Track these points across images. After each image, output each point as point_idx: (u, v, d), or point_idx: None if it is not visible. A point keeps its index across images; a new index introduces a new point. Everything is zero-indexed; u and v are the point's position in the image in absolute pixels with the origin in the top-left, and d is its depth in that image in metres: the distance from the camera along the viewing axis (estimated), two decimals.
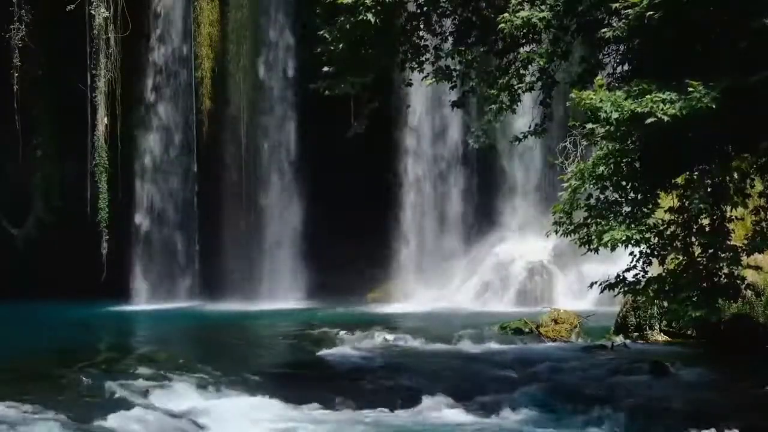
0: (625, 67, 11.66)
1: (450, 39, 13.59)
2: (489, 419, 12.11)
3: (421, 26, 13.52)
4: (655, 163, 10.34)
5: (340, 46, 12.62)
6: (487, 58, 13.02)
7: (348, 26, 12.36)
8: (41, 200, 32.37)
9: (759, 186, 11.10)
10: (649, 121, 9.35)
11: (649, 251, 10.80)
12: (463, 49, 12.99)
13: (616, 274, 11.34)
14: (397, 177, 30.30)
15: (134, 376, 14.22)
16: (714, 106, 9.15)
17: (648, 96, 9.48)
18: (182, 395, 13.11)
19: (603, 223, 10.31)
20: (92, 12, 29.19)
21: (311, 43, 13.82)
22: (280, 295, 29.31)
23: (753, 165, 10.60)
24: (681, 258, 10.82)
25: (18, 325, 23.73)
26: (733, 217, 10.75)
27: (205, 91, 31.51)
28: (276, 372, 15.19)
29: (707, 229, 10.57)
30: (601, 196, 10.66)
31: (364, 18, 12.12)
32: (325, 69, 13.15)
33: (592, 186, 10.50)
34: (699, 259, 10.63)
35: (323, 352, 17.33)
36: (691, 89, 9.21)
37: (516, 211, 29.74)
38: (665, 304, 11.33)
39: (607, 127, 9.94)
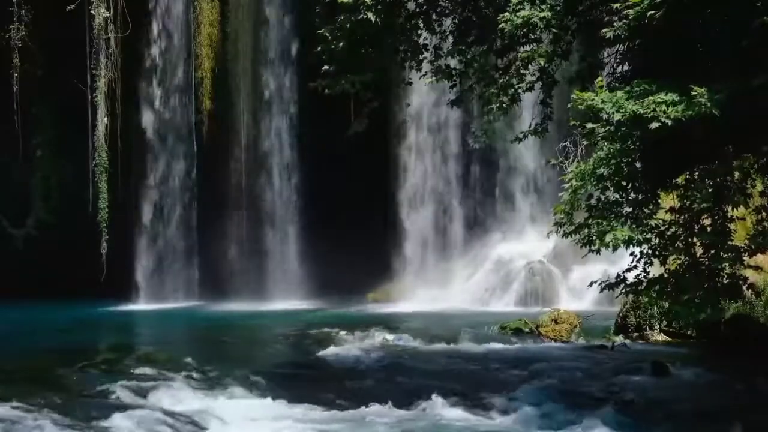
0: (626, 67, 11.65)
1: (450, 38, 13.59)
2: (489, 419, 12.09)
3: (421, 25, 13.52)
4: (655, 163, 10.32)
5: (340, 44, 12.64)
6: (487, 57, 13.01)
7: (348, 25, 12.39)
8: (41, 200, 32.35)
9: (760, 185, 11.09)
10: (653, 125, 9.30)
11: (650, 252, 10.78)
12: (462, 48, 12.99)
13: (616, 275, 11.34)
14: (396, 176, 30.27)
15: (134, 376, 14.20)
16: (718, 112, 9.12)
17: (650, 97, 9.45)
18: (182, 395, 13.08)
19: (604, 223, 10.29)
20: (92, 12, 29.19)
21: (311, 42, 13.81)
22: (281, 295, 29.29)
23: (754, 164, 10.58)
24: (683, 258, 10.80)
25: (18, 325, 23.69)
26: (735, 217, 10.73)
27: (205, 91, 31.51)
28: (276, 372, 15.16)
29: (709, 229, 10.54)
30: (602, 197, 10.64)
31: (365, 17, 12.14)
32: (325, 68, 13.14)
33: (592, 186, 10.48)
34: (701, 259, 10.61)
35: (323, 352, 17.30)
36: (694, 93, 9.16)
37: (516, 211, 29.72)
38: (667, 304, 11.31)
39: (608, 127, 9.92)
